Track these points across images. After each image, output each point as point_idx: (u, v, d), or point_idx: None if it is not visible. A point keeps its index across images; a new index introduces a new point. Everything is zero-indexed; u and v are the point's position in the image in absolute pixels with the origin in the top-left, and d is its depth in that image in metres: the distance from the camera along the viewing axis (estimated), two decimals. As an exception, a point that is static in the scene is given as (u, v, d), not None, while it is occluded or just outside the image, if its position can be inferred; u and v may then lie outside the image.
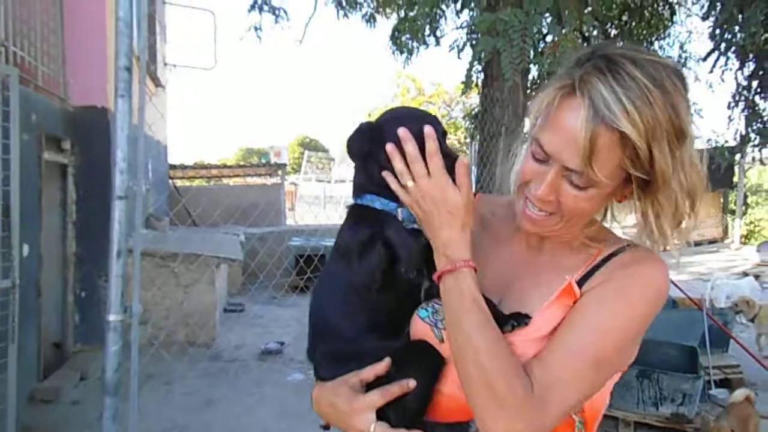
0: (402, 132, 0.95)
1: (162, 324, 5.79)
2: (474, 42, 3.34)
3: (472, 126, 7.07)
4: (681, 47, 5.95)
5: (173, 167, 10.92)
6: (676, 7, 5.16)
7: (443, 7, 4.58)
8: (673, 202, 0.92)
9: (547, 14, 3.21)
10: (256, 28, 7.37)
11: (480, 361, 0.87)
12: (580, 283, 0.96)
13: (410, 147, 0.94)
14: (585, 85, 0.87)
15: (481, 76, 5.58)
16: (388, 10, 8.40)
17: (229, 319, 7.26)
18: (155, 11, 8.19)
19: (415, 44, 6.93)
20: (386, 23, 8.35)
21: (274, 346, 5.99)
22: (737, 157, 9.17)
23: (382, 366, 1.00)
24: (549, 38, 3.21)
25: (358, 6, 8.17)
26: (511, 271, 1.06)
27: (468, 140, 11.39)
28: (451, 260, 0.93)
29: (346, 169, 20.14)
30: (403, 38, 6.93)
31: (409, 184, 0.95)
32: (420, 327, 1.04)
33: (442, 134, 1.00)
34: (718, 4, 4.10)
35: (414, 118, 1.00)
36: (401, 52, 7.12)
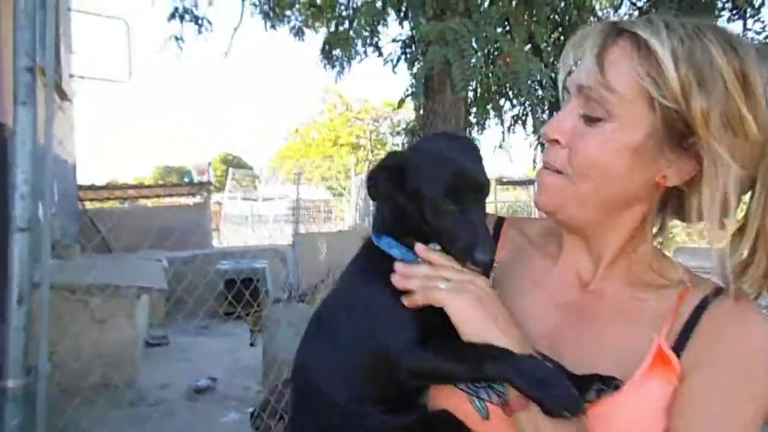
0: (420, 250, 0.84)
1: (73, 366, 5.11)
2: (421, 53, 3.18)
3: (407, 141, 6.98)
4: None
5: (83, 188, 9.99)
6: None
7: (384, 17, 4.43)
8: (725, 180, 0.71)
9: (497, 26, 3.13)
10: (177, 39, 6.88)
11: None
12: (674, 347, 0.76)
13: (421, 268, 0.82)
14: (620, 22, 0.78)
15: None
16: (317, 24, 8.20)
17: (151, 355, 6.60)
18: (59, 18, 7.46)
19: (346, 58, 6.77)
20: (315, 37, 8.14)
21: (205, 383, 5.46)
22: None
23: None
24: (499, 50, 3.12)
25: (286, 18, 7.91)
26: (559, 313, 0.85)
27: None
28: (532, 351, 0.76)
29: (273, 187, 19.55)
30: (335, 52, 6.76)
31: (443, 285, 0.79)
32: (455, 398, 0.82)
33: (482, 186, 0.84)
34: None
35: (445, 162, 0.83)
36: (332, 66, 6.93)
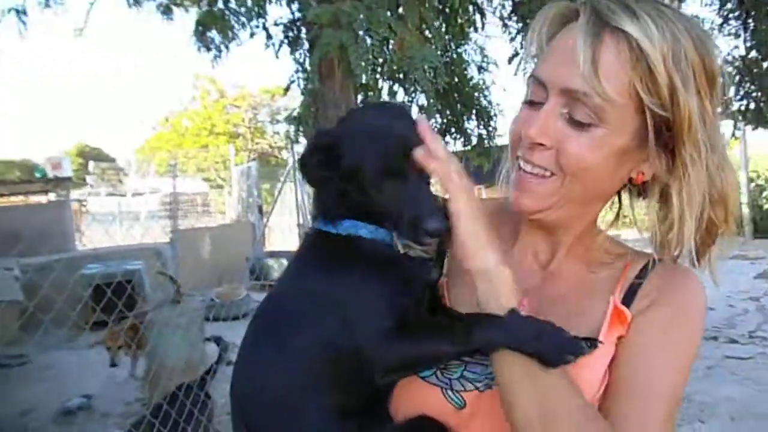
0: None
1: None
2: (314, 36, 3.04)
3: (295, 129, 6.76)
4: (482, 51, 6.47)
5: None
6: (485, 12, 5.58)
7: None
8: (699, 183, 0.78)
9: (389, 11, 3.09)
10: (18, 12, 5.94)
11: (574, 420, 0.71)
12: (625, 303, 0.83)
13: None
14: (585, 4, 0.76)
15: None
16: (186, 2, 7.60)
17: (6, 378, 5.75)
18: None
19: (224, 41, 6.35)
20: (185, 16, 7.52)
21: (79, 402, 4.88)
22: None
23: None
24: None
25: (150, -6, 7.21)
26: (527, 295, 0.84)
27: (288, 144, 11.02)
28: (517, 295, 0.74)
29: (142, 180, 17.98)
30: (210, 34, 6.31)
31: (455, 177, 0.76)
32: (424, 393, 0.80)
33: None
34: (526, 10, 4.51)
35: (379, 133, 0.78)
36: (208, 50, 6.46)
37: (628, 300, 0.84)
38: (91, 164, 18.33)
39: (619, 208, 0.94)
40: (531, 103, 0.82)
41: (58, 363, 6.22)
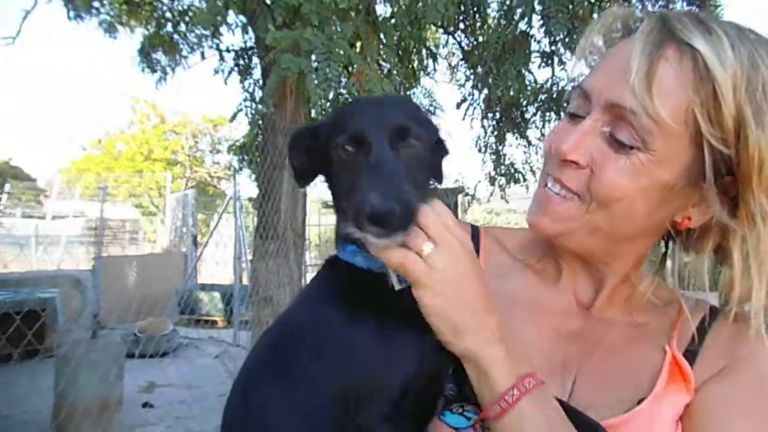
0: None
1: None
2: (269, 62, 2.95)
3: (239, 158, 6.57)
4: (430, 96, 6.64)
5: None
6: (437, 57, 5.73)
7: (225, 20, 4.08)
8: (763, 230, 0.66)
9: (350, 44, 3.07)
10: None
11: None
12: (686, 356, 0.74)
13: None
14: (653, 14, 0.67)
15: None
16: (132, 22, 7.36)
17: None
18: None
19: (170, 64, 6.17)
20: (130, 36, 7.26)
21: (-34, 447, 4.27)
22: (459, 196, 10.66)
23: None
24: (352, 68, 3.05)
25: (95, 10, 6.93)
26: (568, 343, 0.76)
27: (229, 174, 10.66)
28: (522, 371, 0.63)
29: (65, 203, 16.81)
30: (156, 56, 6.13)
31: (427, 248, 0.63)
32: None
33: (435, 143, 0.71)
34: (473, 60, 4.67)
35: (350, 106, 0.74)
36: (153, 71, 6.25)
37: (689, 356, 0.74)
38: (8, 184, 16.98)
39: (664, 254, 0.83)
40: (572, 116, 0.74)
41: (-55, 401, 5.47)
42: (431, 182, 0.73)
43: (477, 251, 0.83)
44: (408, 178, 0.63)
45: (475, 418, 0.66)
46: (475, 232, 0.90)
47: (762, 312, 0.72)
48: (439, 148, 0.73)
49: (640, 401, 0.70)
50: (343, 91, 3.00)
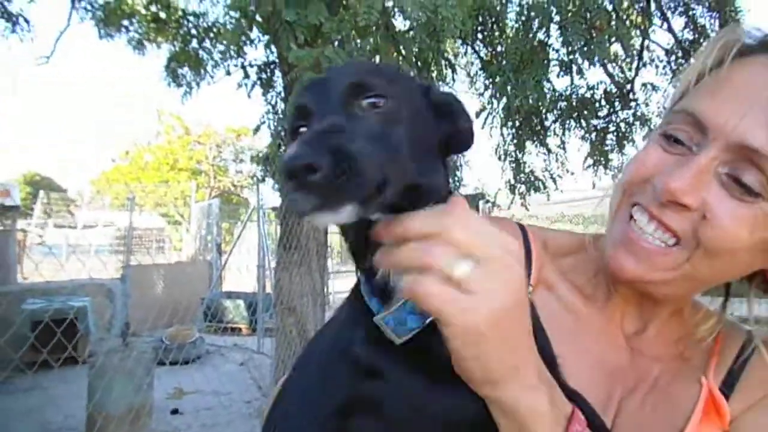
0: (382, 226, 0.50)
1: None
2: (293, 79, 3.04)
3: (262, 168, 6.69)
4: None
5: None
6: (456, 67, 5.78)
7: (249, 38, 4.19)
8: None
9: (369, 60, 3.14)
10: (-20, 37, 5.76)
11: None
12: (722, 389, 0.69)
13: (418, 224, 0.48)
14: None
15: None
16: (159, 39, 7.59)
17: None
18: None
19: (195, 79, 6.34)
20: (156, 53, 7.48)
21: (5, 452, 4.44)
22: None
23: None
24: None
25: (124, 29, 7.17)
26: (610, 375, 0.72)
27: (252, 184, 10.86)
28: (566, 414, 0.53)
29: (95, 213, 17.30)
30: (181, 71, 6.30)
31: (465, 268, 0.47)
32: None
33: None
34: (492, 69, 4.71)
35: (328, 85, 0.52)
36: (178, 86, 6.44)
37: (726, 387, 0.70)
38: (41, 193, 17.55)
39: (726, 297, 0.76)
40: (669, 139, 0.64)
41: (-13, 407, 5.70)
42: (434, 155, 0.55)
43: (530, 254, 0.75)
44: (375, 142, 0.46)
45: None
46: (522, 230, 0.79)
47: None
48: (443, 110, 0.56)
49: None
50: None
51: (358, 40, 3.20)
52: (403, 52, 3.55)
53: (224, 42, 4.25)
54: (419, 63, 4.95)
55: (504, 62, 4.71)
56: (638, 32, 4.97)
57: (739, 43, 0.64)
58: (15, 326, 5.67)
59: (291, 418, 0.62)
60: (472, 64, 6.39)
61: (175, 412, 5.44)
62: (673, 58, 5.04)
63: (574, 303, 0.76)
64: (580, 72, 4.64)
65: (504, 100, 4.56)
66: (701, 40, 4.73)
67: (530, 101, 4.17)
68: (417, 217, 0.49)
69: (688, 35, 4.79)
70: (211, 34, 6.09)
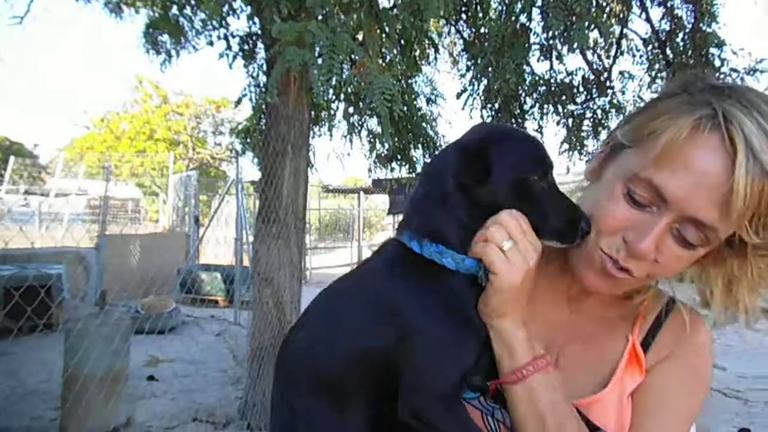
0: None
1: None
2: (277, 52, 3.06)
3: (241, 141, 6.65)
4: (432, 84, 6.71)
5: None
6: (439, 47, 5.81)
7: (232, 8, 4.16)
8: (752, 279, 0.80)
9: (352, 36, 3.17)
10: (-49, -8, 5.57)
11: None
12: (643, 344, 0.89)
13: (515, 224, 0.76)
14: (733, 120, 0.70)
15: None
16: (138, 3, 7.41)
17: None
18: None
19: (174, 47, 6.23)
20: (135, 17, 7.30)
21: (-22, 415, 4.46)
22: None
23: None
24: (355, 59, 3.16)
25: (100, -10, 6.98)
26: (553, 329, 0.90)
27: (231, 156, 10.77)
28: (538, 351, 0.79)
29: (67, 181, 16.93)
30: (161, 38, 6.18)
31: (507, 244, 0.75)
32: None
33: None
34: (474, 51, 4.77)
35: (526, 141, 0.79)
36: (158, 53, 6.31)
37: (646, 343, 0.89)
38: (11, 160, 17.08)
39: None
40: (634, 201, 0.78)
41: (-43, 372, 5.67)
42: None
43: None
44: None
45: (494, 381, 0.80)
46: None
47: (720, 314, 0.85)
48: None
49: (605, 384, 0.85)
50: (345, 81, 3.11)
51: (342, 16, 3.22)
52: (387, 30, 3.58)
53: (206, 11, 4.20)
54: (402, 41, 4.98)
55: (485, 44, 4.77)
56: (617, 20, 5.07)
57: (691, 122, 0.74)
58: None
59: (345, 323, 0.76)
60: (455, 44, 6.43)
61: (151, 378, 5.51)
62: (650, 48, 5.17)
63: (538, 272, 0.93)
64: (559, 57, 4.74)
65: (484, 81, 4.63)
66: (678, 32, 4.86)
67: (510, 84, 4.25)
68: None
69: (665, 26, 4.92)
70: (192, 1, 5.98)
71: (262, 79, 5.26)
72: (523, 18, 4.51)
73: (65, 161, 17.99)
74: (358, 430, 0.73)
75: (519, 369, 0.76)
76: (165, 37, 6.23)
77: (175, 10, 6.13)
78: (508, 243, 0.74)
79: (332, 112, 4.10)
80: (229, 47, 4.56)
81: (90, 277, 8.12)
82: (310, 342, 0.76)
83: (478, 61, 4.52)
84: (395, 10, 3.75)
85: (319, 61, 2.99)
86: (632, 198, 0.78)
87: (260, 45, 5.11)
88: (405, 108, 6.11)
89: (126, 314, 4.90)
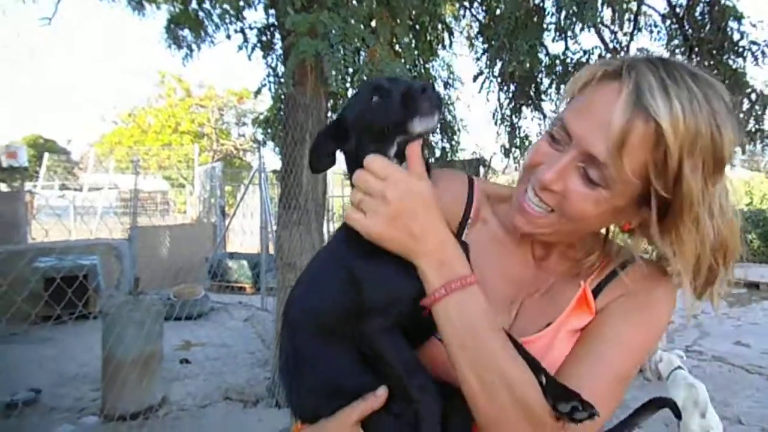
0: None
1: None
2: (291, 43, 3.16)
3: (263, 131, 6.80)
4: (449, 68, 6.73)
5: None
6: (454, 31, 5.83)
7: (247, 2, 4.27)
8: (695, 244, 0.84)
9: (363, 24, 3.25)
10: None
11: (515, 391, 0.77)
12: (595, 292, 0.93)
13: (361, 176, 0.84)
14: (633, 69, 0.80)
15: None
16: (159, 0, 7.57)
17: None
18: None
19: (195, 41, 6.38)
20: (154, 16, 7.47)
21: (25, 396, 4.73)
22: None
23: (378, 398, 0.82)
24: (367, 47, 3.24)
25: (123, -12, 7.17)
26: (517, 286, 0.98)
27: (255, 145, 10.98)
28: (452, 276, 0.80)
29: (99, 175, 17.47)
30: (182, 33, 6.33)
31: (370, 203, 0.82)
32: (434, 349, 0.88)
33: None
34: (489, 33, 4.78)
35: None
36: (179, 48, 6.48)
37: (599, 288, 0.93)
38: (47, 156, 17.69)
39: (606, 235, 1.01)
40: (552, 138, 0.88)
41: (2, 357, 6.02)
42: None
43: (471, 199, 1.04)
44: None
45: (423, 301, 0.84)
46: (470, 182, 1.07)
47: (682, 275, 0.87)
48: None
49: (548, 325, 0.90)
50: (358, 69, 3.20)
51: (354, 2, 3.30)
52: (398, 18, 3.64)
53: (223, 5, 4.31)
54: (417, 26, 5.02)
55: (499, 27, 4.77)
56: (632, -3, 4.99)
57: (601, 70, 0.86)
58: (32, 283, 5.96)
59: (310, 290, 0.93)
60: (471, 27, 6.42)
61: (184, 361, 5.77)
62: (667, 24, 5.09)
63: (500, 234, 1.02)
64: (574, 37, 4.72)
65: (499, 64, 4.65)
66: (696, 6, 4.78)
67: (524, 66, 4.27)
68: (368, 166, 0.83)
69: (683, 0, 4.84)
70: (211, -4, 6.09)
71: (281, 69, 5.37)
72: (536, -1, 4.50)
73: (96, 156, 18.54)
74: (345, 359, 0.86)
75: (433, 292, 0.80)
76: (185, 32, 6.40)
77: (194, 4, 6.28)
78: (378, 184, 0.81)
79: (346, 99, 4.19)
80: (246, 41, 4.66)
81: (123, 266, 8.44)
82: (304, 297, 0.93)
83: (493, 43, 4.53)
84: (406, -2, 3.80)
85: (332, 50, 3.08)
86: (552, 136, 0.88)
87: (277, 36, 5.22)
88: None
89: (157, 300, 5.13)
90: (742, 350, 6.31)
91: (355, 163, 0.86)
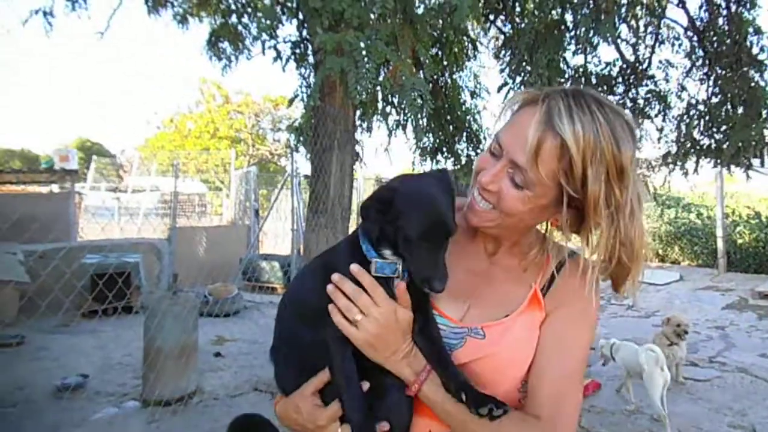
0: (336, 278, 1.04)
1: None
2: (319, 60, 3.44)
3: (295, 138, 7.11)
4: (476, 78, 6.90)
5: None
6: (477, 44, 6.02)
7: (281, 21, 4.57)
8: (607, 241, 1.02)
9: (386, 42, 3.49)
10: (45, 13, 6.33)
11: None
12: (543, 292, 1.13)
13: (348, 286, 1.03)
14: (548, 97, 1.02)
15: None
16: (202, 14, 8.02)
17: (3, 355, 6.04)
18: None
19: (234, 53, 6.75)
20: (200, 26, 7.92)
21: (75, 380, 5.15)
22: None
23: (328, 374, 1.06)
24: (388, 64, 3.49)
25: (168, 4, 7.63)
26: (473, 278, 1.17)
27: (288, 152, 11.38)
28: (418, 369, 1.04)
29: (142, 178, 18.28)
30: (222, 45, 6.71)
31: (358, 317, 1.02)
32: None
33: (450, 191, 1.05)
34: (512, 46, 4.96)
35: (425, 210, 1.01)
36: (219, 59, 6.86)
37: (546, 288, 1.12)
38: (93, 159, 18.63)
39: (545, 230, 1.21)
40: (491, 153, 1.09)
41: (53, 345, 6.49)
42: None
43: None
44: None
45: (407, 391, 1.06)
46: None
47: (596, 266, 1.06)
48: None
49: (506, 315, 1.08)
50: (380, 84, 3.44)
51: (377, 26, 3.56)
52: (420, 35, 3.87)
53: (261, 18, 4.61)
54: (443, 40, 5.24)
55: (519, 40, 4.95)
56: (649, 11, 5.08)
57: (528, 97, 1.07)
58: (84, 279, 6.43)
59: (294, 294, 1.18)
60: (497, 39, 6.59)
61: (217, 355, 6.12)
62: (689, 36, 5.15)
63: (460, 235, 1.20)
64: (594, 50, 4.84)
65: (520, 77, 4.82)
66: (718, 20, 4.84)
67: (543, 79, 4.43)
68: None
69: (704, 14, 4.91)
70: (249, 9, 6.47)
71: (313, 80, 5.69)
72: (555, 14, 4.66)
73: (141, 159, 19.40)
74: (318, 343, 1.05)
75: (411, 384, 1.03)
76: (225, 45, 6.79)
77: (234, 18, 6.67)
78: (359, 316, 1.01)
79: (372, 111, 4.44)
80: (279, 57, 4.96)
81: (162, 264, 8.90)
82: (293, 289, 1.20)
83: (516, 54, 4.72)
84: (428, 15, 4.03)
85: (357, 67, 3.35)
86: (491, 150, 1.09)
87: (310, 49, 5.54)
88: (446, 103, 6.38)
89: (193, 296, 5.48)
90: (765, 362, 6.24)
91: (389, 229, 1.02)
